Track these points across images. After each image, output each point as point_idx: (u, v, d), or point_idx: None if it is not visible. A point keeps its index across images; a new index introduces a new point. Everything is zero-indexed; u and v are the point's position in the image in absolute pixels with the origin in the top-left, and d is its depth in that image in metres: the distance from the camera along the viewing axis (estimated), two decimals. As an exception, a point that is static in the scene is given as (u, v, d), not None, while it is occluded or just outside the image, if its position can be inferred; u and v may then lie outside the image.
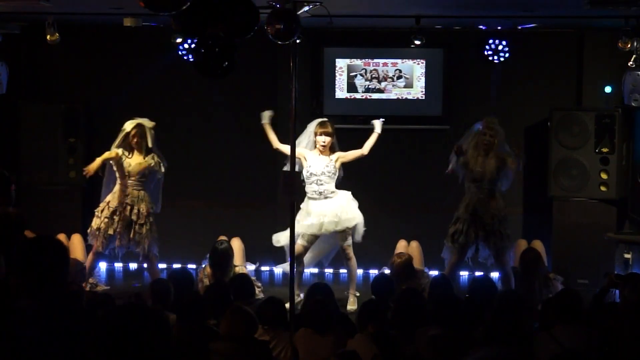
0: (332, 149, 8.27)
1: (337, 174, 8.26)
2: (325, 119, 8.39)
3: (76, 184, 9.69)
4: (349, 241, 8.22)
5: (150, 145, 8.45)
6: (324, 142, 8.17)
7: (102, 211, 8.46)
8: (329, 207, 8.17)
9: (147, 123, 8.50)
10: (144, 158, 8.46)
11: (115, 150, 8.41)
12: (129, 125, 8.45)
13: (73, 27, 9.42)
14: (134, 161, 8.45)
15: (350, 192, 8.34)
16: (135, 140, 8.40)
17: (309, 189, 8.17)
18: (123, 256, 8.92)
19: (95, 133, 9.98)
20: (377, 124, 8.37)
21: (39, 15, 8.62)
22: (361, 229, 8.31)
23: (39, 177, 9.62)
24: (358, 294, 8.43)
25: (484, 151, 8.10)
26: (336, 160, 8.22)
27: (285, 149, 8.08)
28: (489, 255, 8.32)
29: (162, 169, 8.53)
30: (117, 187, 8.50)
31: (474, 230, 8.13)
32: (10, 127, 9.73)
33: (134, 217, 8.40)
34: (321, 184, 8.19)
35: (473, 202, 8.15)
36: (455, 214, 8.28)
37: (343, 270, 9.08)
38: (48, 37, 8.78)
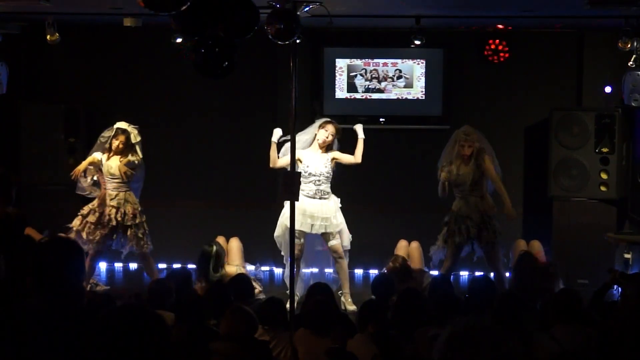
0: (329, 148, 8.27)
1: (331, 175, 8.26)
2: (327, 120, 8.40)
3: (76, 184, 9.67)
4: (337, 240, 8.22)
5: (141, 155, 8.51)
6: (327, 137, 8.17)
7: (87, 214, 8.47)
8: (322, 209, 8.18)
9: (135, 137, 8.49)
10: (125, 157, 8.47)
11: (95, 157, 8.46)
12: (117, 125, 8.48)
13: (73, 27, 9.42)
14: (114, 163, 8.46)
15: (339, 200, 8.35)
16: (118, 145, 8.41)
17: (305, 187, 8.15)
18: (114, 252, 8.95)
19: (95, 133, 9.92)
20: (359, 130, 8.38)
21: (39, 15, 8.62)
22: (347, 235, 8.33)
23: (39, 177, 9.62)
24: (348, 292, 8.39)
25: (463, 160, 8.16)
26: (332, 160, 8.23)
27: (283, 162, 8.10)
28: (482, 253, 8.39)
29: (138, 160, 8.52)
30: (102, 192, 8.53)
31: (465, 229, 8.17)
32: (10, 127, 9.73)
33: (119, 219, 8.41)
34: (319, 185, 8.20)
35: (459, 206, 8.21)
36: (445, 219, 8.34)
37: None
38: (48, 37, 8.77)
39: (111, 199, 8.46)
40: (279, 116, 9.58)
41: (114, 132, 8.48)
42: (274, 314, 5.81)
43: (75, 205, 9.61)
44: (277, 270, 9.69)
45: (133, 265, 9.92)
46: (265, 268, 9.78)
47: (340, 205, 8.32)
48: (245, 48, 6.18)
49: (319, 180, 8.19)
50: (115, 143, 8.43)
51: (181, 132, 10.03)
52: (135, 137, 8.50)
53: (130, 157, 8.47)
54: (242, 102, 9.96)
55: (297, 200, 6.67)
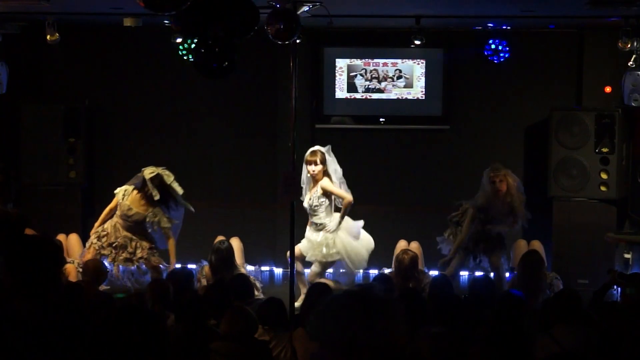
0: (325, 175, 8.21)
1: (324, 205, 8.22)
2: (315, 148, 8.30)
3: (76, 184, 9.69)
4: (316, 268, 8.22)
5: (180, 192, 8.43)
6: (313, 170, 8.14)
7: (100, 246, 8.46)
8: (316, 239, 8.23)
9: (168, 177, 8.42)
10: (147, 208, 8.41)
11: (116, 200, 8.44)
12: (146, 174, 8.38)
13: (73, 27, 9.42)
14: (135, 205, 8.41)
15: (356, 230, 8.30)
16: (150, 190, 8.34)
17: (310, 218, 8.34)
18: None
19: (95, 133, 9.99)
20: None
21: (39, 15, 8.62)
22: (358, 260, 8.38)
23: (39, 177, 9.62)
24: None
25: (500, 195, 8.31)
26: (322, 190, 8.17)
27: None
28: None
29: (166, 224, 8.42)
30: (115, 220, 8.51)
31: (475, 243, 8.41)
32: (10, 127, 9.72)
33: (129, 256, 8.40)
34: (312, 217, 8.29)
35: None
36: (456, 217, 8.44)
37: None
38: (48, 37, 8.78)
39: (118, 237, 8.42)
40: (279, 116, 9.59)
41: (146, 182, 8.34)
42: (274, 314, 5.82)
43: (75, 205, 9.65)
44: (277, 270, 9.69)
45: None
46: (265, 268, 9.78)
47: (354, 232, 8.30)
48: (245, 48, 6.19)
49: (310, 214, 8.29)
50: (150, 191, 8.32)
51: (181, 132, 10.02)
52: (168, 177, 8.42)
53: (149, 215, 8.37)
54: (242, 102, 9.95)
55: (297, 200, 6.68)
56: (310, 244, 8.26)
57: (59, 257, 3.50)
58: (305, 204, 8.24)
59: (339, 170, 8.32)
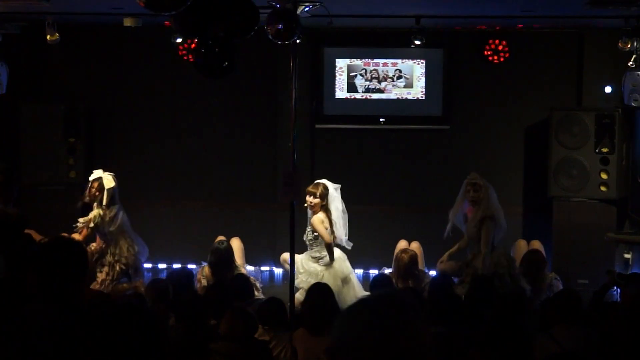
0: (322, 209, 8.23)
1: (317, 241, 8.25)
2: (319, 181, 8.35)
3: (76, 184, 9.68)
4: (300, 294, 8.19)
5: (104, 202, 8.36)
6: (310, 202, 8.19)
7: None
8: (307, 267, 8.24)
9: (108, 182, 8.36)
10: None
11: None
12: (91, 176, 8.42)
13: (73, 27, 9.42)
14: (91, 213, 8.43)
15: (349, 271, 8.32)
16: (92, 192, 8.36)
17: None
18: None
19: (95, 133, 9.99)
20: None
21: (39, 15, 8.62)
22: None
23: (39, 177, 9.62)
24: None
25: (473, 206, 8.21)
26: (313, 225, 8.21)
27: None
28: None
29: (82, 221, 8.35)
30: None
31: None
32: (10, 127, 9.72)
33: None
34: (310, 249, 8.32)
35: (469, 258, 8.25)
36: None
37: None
38: (48, 37, 8.78)
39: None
40: (279, 116, 9.59)
41: (94, 178, 8.39)
42: (274, 314, 5.82)
43: (75, 205, 9.63)
44: (277, 270, 9.69)
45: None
46: (265, 268, 9.78)
47: (343, 275, 8.29)
48: (245, 48, 6.19)
49: (307, 247, 8.32)
50: (91, 191, 8.37)
51: (181, 132, 10.02)
52: (108, 183, 8.37)
53: (92, 215, 8.36)
54: (242, 102, 9.95)
55: (297, 199, 6.68)
56: (302, 269, 8.26)
57: (87, 261, 3.49)
58: (304, 237, 8.29)
59: (340, 208, 8.34)
